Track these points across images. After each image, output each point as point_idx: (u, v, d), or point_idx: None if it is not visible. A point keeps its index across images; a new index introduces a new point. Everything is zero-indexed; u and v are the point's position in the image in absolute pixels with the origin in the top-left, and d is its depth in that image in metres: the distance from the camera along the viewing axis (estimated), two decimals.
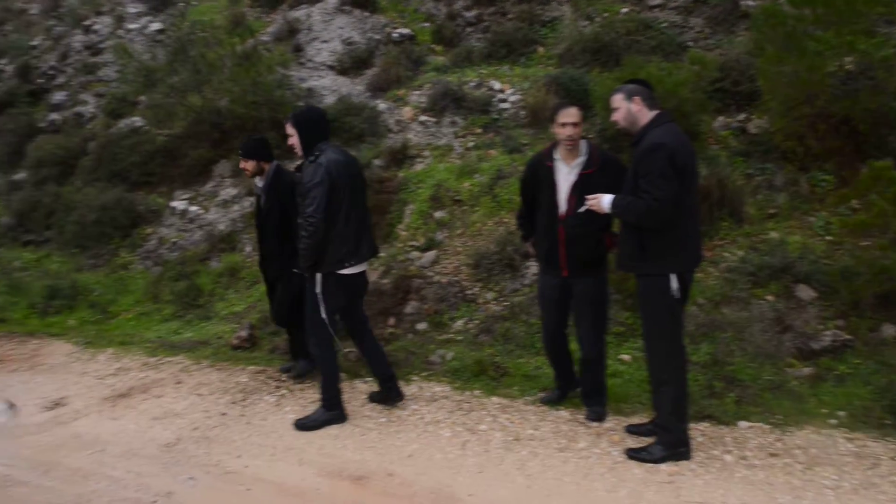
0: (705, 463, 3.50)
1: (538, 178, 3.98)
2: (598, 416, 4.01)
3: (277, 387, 4.74)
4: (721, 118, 6.53)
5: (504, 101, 7.92)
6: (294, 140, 4.01)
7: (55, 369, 5.37)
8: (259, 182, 4.78)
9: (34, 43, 12.75)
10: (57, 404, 4.70)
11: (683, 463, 3.49)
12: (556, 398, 4.25)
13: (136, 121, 9.43)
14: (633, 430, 3.85)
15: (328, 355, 4.12)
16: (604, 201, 3.54)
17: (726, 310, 4.83)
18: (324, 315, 4.00)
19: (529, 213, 4.15)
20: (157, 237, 8.03)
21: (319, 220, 3.83)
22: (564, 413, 4.13)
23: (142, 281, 7.39)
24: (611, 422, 3.98)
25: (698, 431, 3.77)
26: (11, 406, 4.53)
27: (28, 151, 9.98)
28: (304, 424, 4.12)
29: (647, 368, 3.66)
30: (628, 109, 3.52)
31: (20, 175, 9.93)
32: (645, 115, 3.49)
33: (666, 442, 3.55)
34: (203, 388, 4.79)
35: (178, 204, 8.18)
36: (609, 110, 3.72)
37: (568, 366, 4.22)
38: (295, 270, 4.42)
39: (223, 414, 4.39)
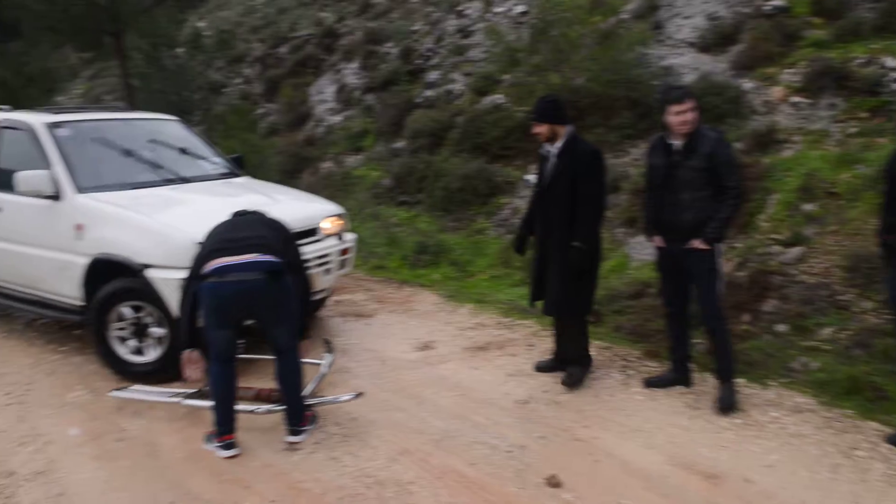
0: None
1: None
2: None
3: (624, 366, 4.77)
4: None
5: None
6: (691, 115, 4.00)
7: (425, 315, 6.10)
8: (551, 147, 4.44)
9: (414, 28, 14.41)
10: (426, 346, 5.33)
11: None
12: None
13: (499, 98, 10.14)
14: None
15: (727, 328, 4.27)
16: None
17: None
18: (721, 289, 4.13)
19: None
20: (510, 207, 8.58)
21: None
22: None
23: (495, 246, 7.99)
24: None
25: None
26: (330, 351, 5.08)
27: (406, 124, 11.41)
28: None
29: None
30: None
31: (399, 144, 11.40)
32: None
33: None
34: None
35: (532, 177, 8.62)
36: None
37: None
38: (576, 244, 4.23)
39: None
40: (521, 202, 8.51)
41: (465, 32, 12.58)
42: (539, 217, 4.58)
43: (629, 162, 7.63)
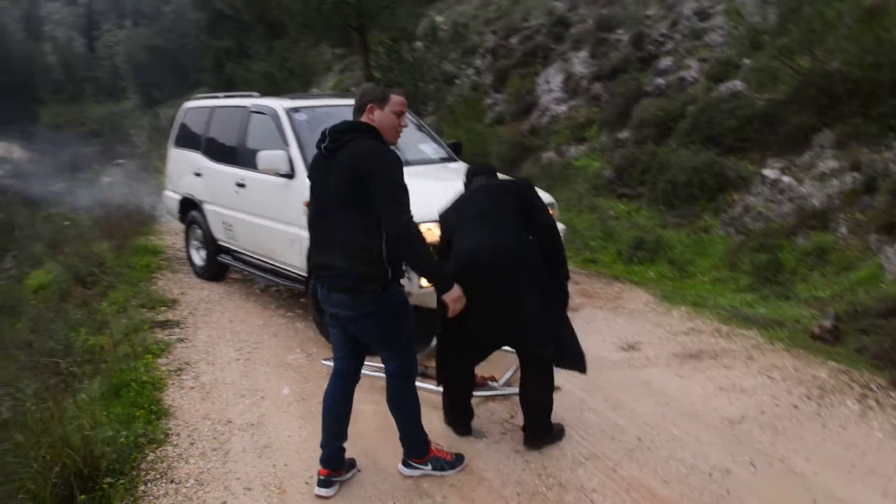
0: None
1: None
2: None
3: (863, 395, 4.07)
4: None
5: None
6: None
7: (633, 315, 5.75)
8: None
9: (649, 13, 13.71)
10: (631, 347, 5.01)
11: None
12: None
13: (737, 85, 9.27)
14: None
15: None
16: None
17: None
18: None
19: None
20: (742, 204, 7.81)
21: None
22: None
23: (721, 246, 7.33)
24: None
25: None
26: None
27: (633, 113, 10.89)
28: None
29: None
30: None
31: (624, 134, 10.92)
32: None
33: None
34: (775, 372, 4.45)
35: (770, 172, 7.76)
36: None
37: None
38: None
39: (794, 406, 3.99)
40: (754, 199, 7.71)
41: (703, 15, 11.70)
42: None
43: (892, 157, 6.53)
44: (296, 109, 5.81)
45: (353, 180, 2.92)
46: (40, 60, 46.02)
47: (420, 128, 6.56)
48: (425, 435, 3.42)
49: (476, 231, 3.51)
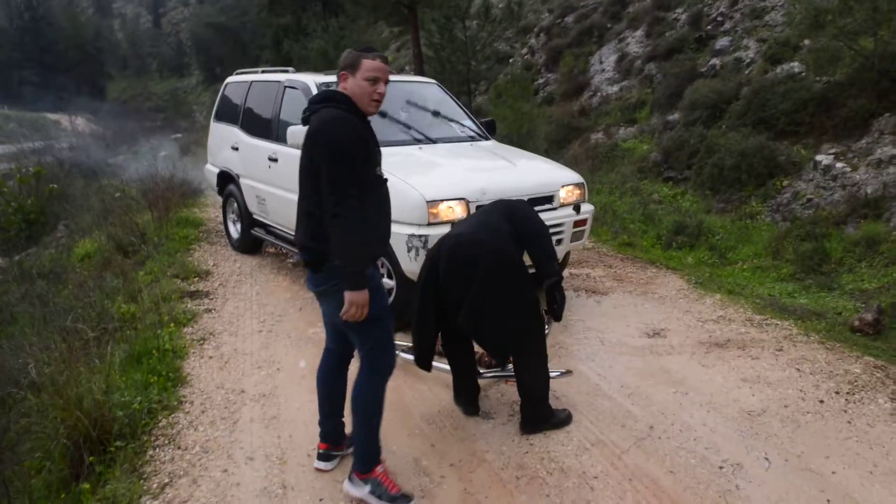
0: None
1: None
2: None
3: None
4: None
5: None
6: None
7: (663, 300, 5.57)
8: None
9: None
10: (656, 334, 4.85)
11: None
12: None
13: (794, 66, 8.86)
14: None
15: None
16: None
17: None
18: None
19: None
20: (791, 190, 7.48)
21: None
22: None
23: (766, 233, 7.04)
24: None
25: None
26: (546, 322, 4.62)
27: (685, 94, 10.53)
28: None
29: None
30: None
31: (674, 116, 10.58)
32: None
33: None
34: (805, 365, 4.25)
35: (823, 158, 7.40)
36: None
37: None
38: None
39: (820, 401, 3.79)
40: (804, 185, 7.38)
41: None
42: None
43: None
44: (327, 84, 5.79)
45: (306, 154, 2.80)
46: (108, 37, 47.47)
47: (454, 105, 6.47)
48: (379, 450, 3.02)
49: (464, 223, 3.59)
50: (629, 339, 4.79)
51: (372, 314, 2.79)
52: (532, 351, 3.50)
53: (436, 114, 6.20)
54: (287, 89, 6.16)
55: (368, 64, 2.78)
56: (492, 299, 3.35)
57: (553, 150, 12.79)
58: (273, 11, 34.58)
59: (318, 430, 3.38)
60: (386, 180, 2.99)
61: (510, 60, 19.71)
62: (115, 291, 5.93)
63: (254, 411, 3.87)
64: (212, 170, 7.59)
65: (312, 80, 5.86)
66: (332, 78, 6.07)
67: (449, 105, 6.39)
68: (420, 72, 14.44)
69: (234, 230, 7.34)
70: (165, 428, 3.71)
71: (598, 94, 14.14)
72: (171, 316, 5.20)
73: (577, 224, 5.27)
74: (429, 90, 6.49)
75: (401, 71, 21.73)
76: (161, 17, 56.40)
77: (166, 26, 55.86)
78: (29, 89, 49.90)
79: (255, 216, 6.77)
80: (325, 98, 2.87)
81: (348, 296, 2.70)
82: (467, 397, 3.80)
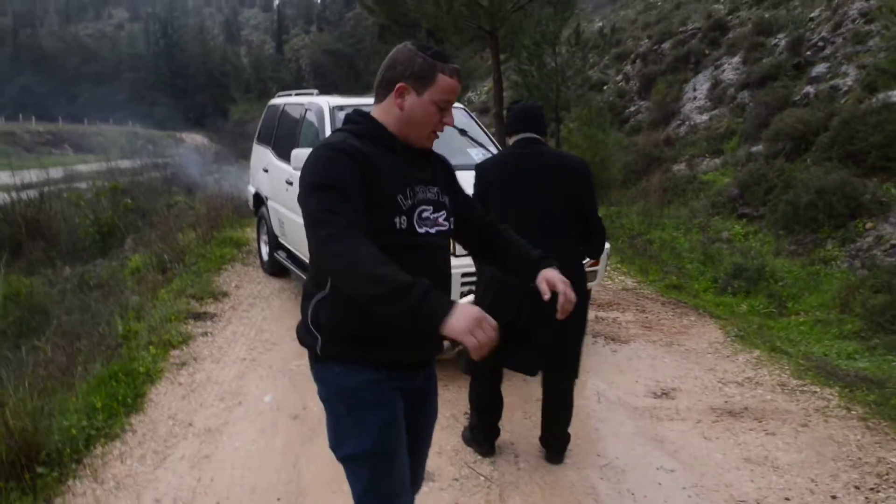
0: None
1: None
2: None
3: None
4: None
5: None
6: None
7: (688, 354, 4.91)
8: None
9: (813, 15, 12.14)
10: (665, 394, 4.24)
11: None
12: None
13: (893, 95, 7.84)
14: None
15: None
16: None
17: None
18: None
19: None
20: (875, 234, 6.55)
21: None
22: None
23: (838, 282, 6.17)
24: None
25: None
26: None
27: (772, 124, 9.62)
28: None
29: None
30: None
31: (758, 147, 9.70)
32: None
33: None
34: (829, 447, 3.53)
35: None
36: None
37: None
38: None
39: (833, 497, 3.10)
40: (891, 229, 6.43)
41: (869, 17, 10.11)
42: None
43: None
44: (341, 108, 5.60)
45: None
46: (234, 62, 50.49)
47: (479, 130, 6.10)
48: None
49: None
50: (631, 397, 4.21)
51: (349, 451, 1.86)
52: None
53: (459, 136, 5.85)
54: (308, 111, 6.03)
55: (446, 83, 1.82)
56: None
57: (630, 180, 12.10)
58: (382, 39, 35.67)
59: (243, 475, 3.09)
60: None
61: (604, 87, 19.05)
62: (130, 308, 5.95)
63: (190, 447, 3.63)
64: (251, 190, 7.60)
65: (326, 103, 5.69)
66: (356, 100, 5.88)
67: (474, 131, 6.03)
68: (499, 98, 14.12)
69: (265, 252, 7.28)
70: (97, 457, 3.54)
71: (686, 123, 13.33)
72: (162, 338, 5.11)
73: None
74: (455, 115, 6.16)
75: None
76: (283, 43, 59.61)
77: (288, 52, 58.91)
78: (160, 110, 54.07)
79: (279, 239, 6.67)
80: (345, 121, 1.96)
81: (454, 329, 1.50)
82: (490, 438, 3.54)
